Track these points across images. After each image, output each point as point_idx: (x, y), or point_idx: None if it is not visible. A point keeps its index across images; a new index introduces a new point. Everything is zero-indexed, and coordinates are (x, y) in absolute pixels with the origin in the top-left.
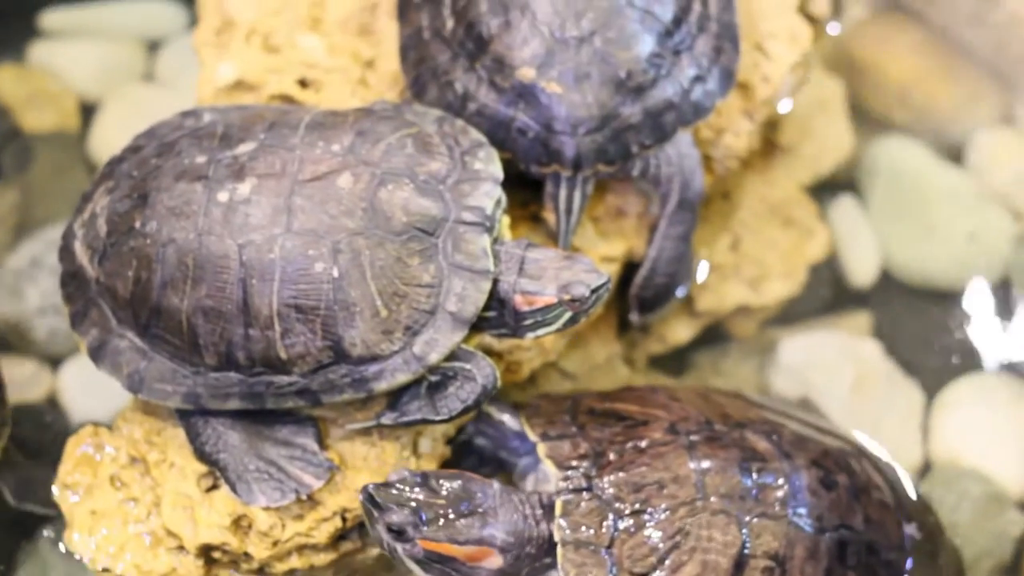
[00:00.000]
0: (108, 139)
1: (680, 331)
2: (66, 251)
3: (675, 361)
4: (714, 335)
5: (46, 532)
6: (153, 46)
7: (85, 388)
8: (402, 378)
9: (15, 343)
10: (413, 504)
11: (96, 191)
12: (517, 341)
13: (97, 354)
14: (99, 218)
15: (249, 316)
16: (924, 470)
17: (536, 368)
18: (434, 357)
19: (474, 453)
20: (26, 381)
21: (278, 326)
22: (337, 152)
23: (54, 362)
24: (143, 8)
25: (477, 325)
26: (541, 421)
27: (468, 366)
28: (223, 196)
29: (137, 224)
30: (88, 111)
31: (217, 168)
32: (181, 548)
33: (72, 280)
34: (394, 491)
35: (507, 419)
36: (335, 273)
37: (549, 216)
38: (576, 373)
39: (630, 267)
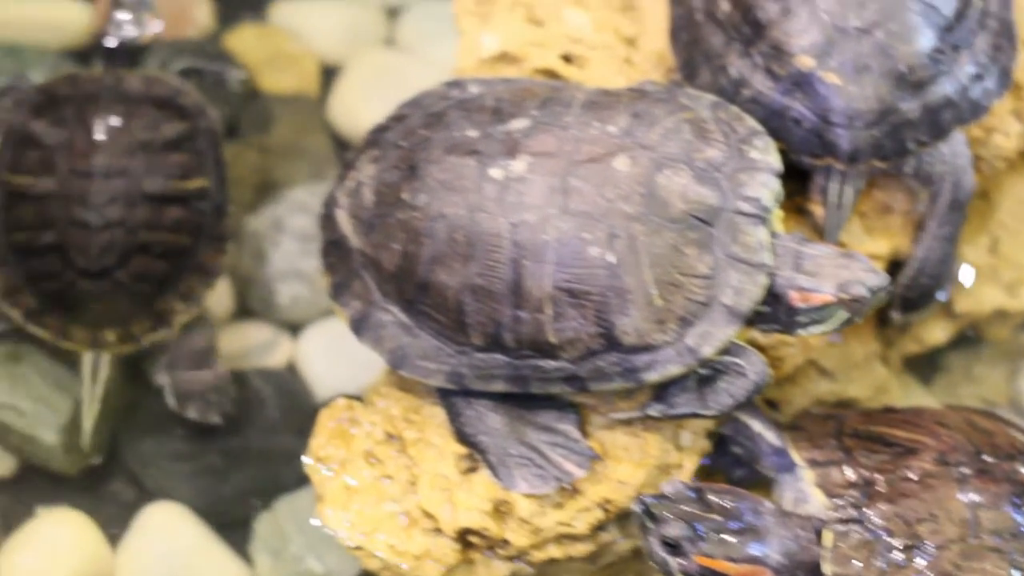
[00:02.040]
0: (348, 104)
1: (936, 332)
2: (328, 219)
3: (927, 362)
4: (966, 337)
5: (281, 501)
6: (393, 11)
7: (326, 357)
8: (674, 370)
9: (256, 308)
10: (689, 518)
11: (361, 159)
12: (783, 336)
13: (359, 327)
14: (365, 188)
15: (520, 297)
16: None
17: (798, 364)
18: (707, 350)
19: (729, 454)
20: (266, 346)
21: (549, 309)
22: (614, 133)
23: (294, 329)
24: None
25: (749, 319)
26: (807, 444)
27: (740, 361)
28: (496, 172)
29: (406, 196)
30: (328, 74)
31: (490, 143)
32: (438, 530)
33: (334, 250)
34: (670, 503)
35: (769, 436)
36: (611, 258)
37: (817, 209)
38: (834, 371)
39: (893, 265)
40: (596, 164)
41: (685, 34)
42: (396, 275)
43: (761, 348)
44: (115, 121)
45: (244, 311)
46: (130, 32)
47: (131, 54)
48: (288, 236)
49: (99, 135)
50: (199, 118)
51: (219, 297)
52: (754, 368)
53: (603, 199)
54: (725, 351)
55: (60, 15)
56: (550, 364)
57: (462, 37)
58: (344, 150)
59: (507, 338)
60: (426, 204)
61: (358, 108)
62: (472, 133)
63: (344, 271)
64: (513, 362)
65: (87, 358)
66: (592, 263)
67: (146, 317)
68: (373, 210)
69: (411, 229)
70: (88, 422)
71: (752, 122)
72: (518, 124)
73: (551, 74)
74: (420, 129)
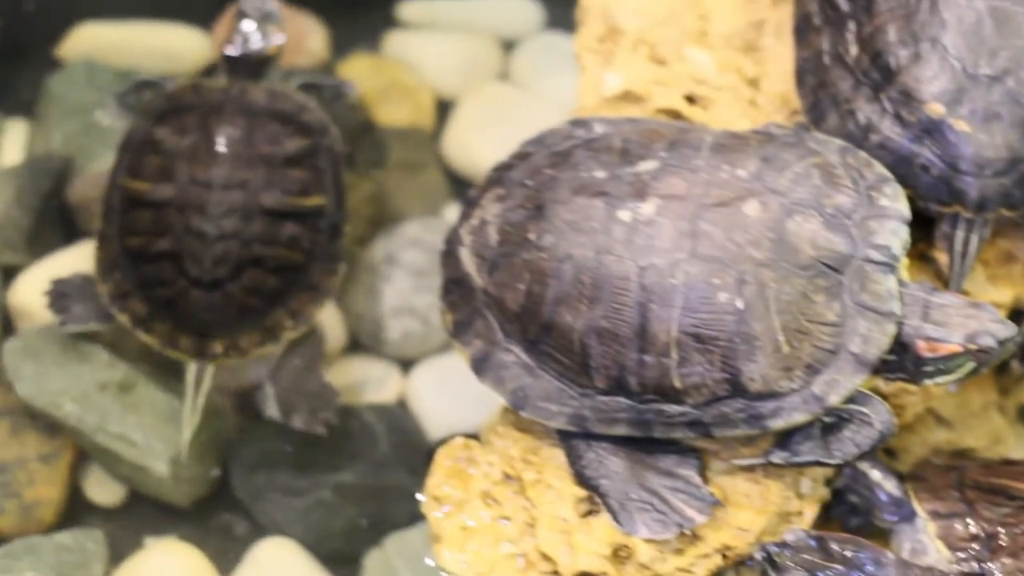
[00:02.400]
0: (462, 138)
1: None
2: (450, 257)
3: None
4: None
5: (392, 539)
6: (508, 44)
7: (437, 394)
8: (799, 418)
9: (367, 342)
10: (811, 567)
11: (485, 197)
12: (905, 384)
13: (480, 367)
14: (490, 226)
15: (645, 341)
16: None
17: (917, 412)
18: (834, 399)
19: (846, 503)
20: (376, 382)
21: (675, 354)
22: (744, 178)
23: (405, 364)
24: (500, 4)
25: (875, 368)
26: (928, 495)
27: (865, 410)
28: (624, 215)
29: (532, 236)
30: (442, 107)
31: (618, 185)
32: (555, 573)
33: (456, 287)
34: (792, 552)
35: (888, 485)
36: (739, 304)
37: (941, 256)
38: (951, 419)
39: (1015, 314)
40: (726, 208)
41: (812, 77)
42: (520, 315)
43: (883, 395)
44: (237, 133)
45: (355, 345)
46: (255, 43)
47: (255, 66)
48: (401, 271)
49: (221, 146)
50: (321, 136)
51: (331, 330)
52: (880, 417)
53: (733, 244)
54: (851, 399)
55: (178, 43)
56: (674, 409)
57: (583, 74)
58: (458, 184)
59: (631, 382)
60: (553, 245)
61: (472, 142)
62: (600, 174)
63: (466, 309)
64: (636, 406)
65: (191, 367)
66: (720, 308)
67: (254, 331)
68: (498, 249)
69: (537, 269)
70: (187, 432)
71: (881, 168)
72: (646, 166)
73: (674, 114)
74: (546, 168)
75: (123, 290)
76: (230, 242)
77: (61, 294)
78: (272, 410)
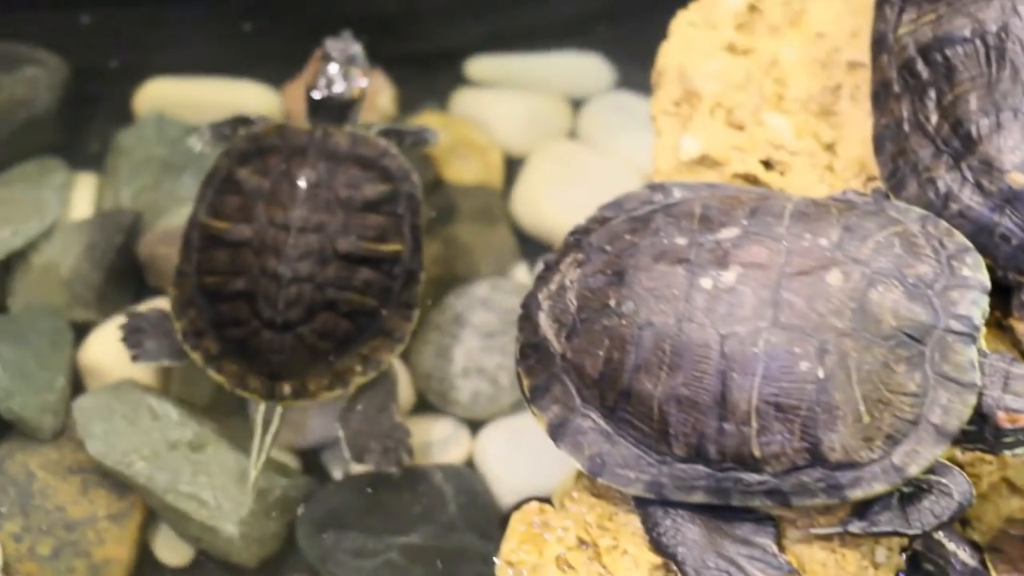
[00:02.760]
0: (532, 197)
1: None
2: (528, 321)
3: None
4: None
5: None
6: (576, 102)
7: (506, 456)
8: (879, 488)
9: (435, 402)
10: None
11: (563, 262)
12: (982, 453)
13: (557, 432)
14: (569, 291)
15: (725, 409)
16: None
17: (993, 481)
18: (914, 469)
19: (920, 571)
20: (445, 442)
21: (755, 423)
22: (825, 247)
23: (473, 425)
24: (568, 61)
25: (955, 438)
26: (1007, 567)
27: (944, 480)
28: (706, 282)
29: (612, 302)
30: (511, 165)
31: (699, 252)
32: None
33: (533, 352)
34: None
35: (963, 555)
36: (820, 373)
37: (1019, 326)
38: None
39: None
40: (808, 277)
41: (891, 144)
42: (598, 381)
43: (959, 464)
44: (318, 176)
45: (423, 405)
46: (339, 87)
47: (339, 109)
48: (470, 330)
49: (300, 189)
50: (402, 181)
51: (400, 389)
52: (959, 488)
53: (815, 313)
54: (930, 469)
55: (249, 99)
56: (753, 477)
57: (659, 138)
58: (526, 243)
59: (710, 449)
60: (633, 311)
61: (541, 201)
62: (681, 241)
63: (544, 374)
64: (715, 474)
65: (260, 408)
66: (802, 378)
67: (324, 374)
68: (577, 315)
69: (617, 336)
70: (254, 473)
71: (961, 238)
72: (728, 233)
73: (752, 179)
74: (626, 234)
75: (197, 328)
76: (304, 285)
77: (136, 328)
78: (344, 451)
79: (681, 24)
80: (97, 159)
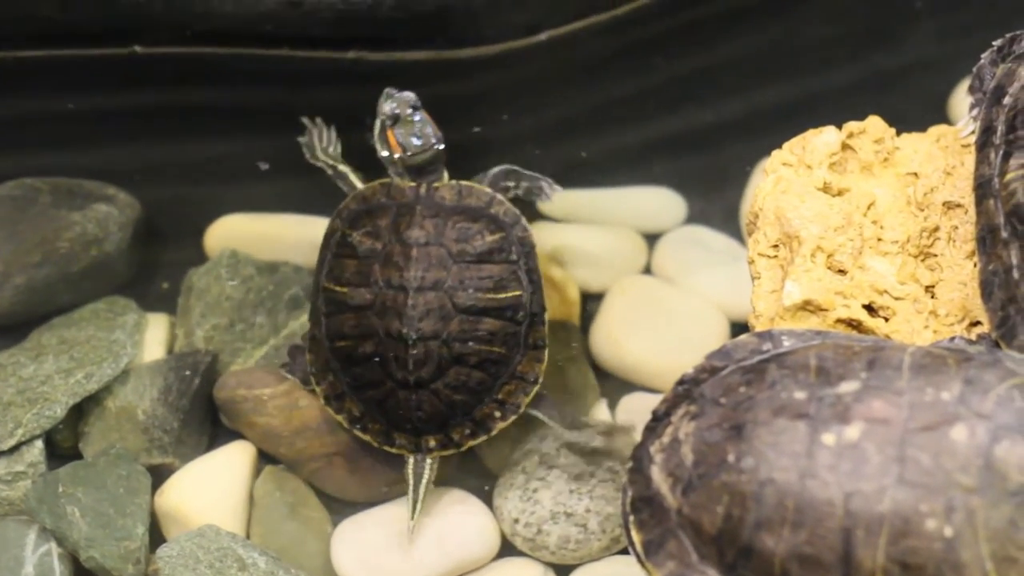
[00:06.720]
0: (610, 333)
1: None
2: (639, 474)
3: None
4: None
5: None
6: (651, 237)
7: None
8: None
9: (522, 547)
10: None
11: (675, 413)
12: None
13: None
14: (683, 445)
15: (850, 568)
16: None
17: None
18: None
19: None
20: None
21: None
22: (947, 401)
23: (562, 571)
24: (639, 195)
25: None
26: None
27: None
28: (828, 438)
29: (731, 458)
30: (587, 300)
31: (819, 407)
32: None
33: (646, 506)
34: None
35: None
36: (947, 532)
37: None
38: None
39: None
40: (932, 433)
41: (1000, 292)
42: (717, 538)
43: None
44: (427, 234)
45: (509, 549)
46: (418, 140)
47: (430, 161)
48: (556, 473)
49: (412, 247)
50: (512, 227)
51: (485, 534)
52: None
53: (940, 470)
54: None
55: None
56: None
57: (757, 281)
58: (605, 380)
59: None
60: (753, 467)
61: (620, 338)
62: (800, 395)
63: (658, 529)
64: None
65: (411, 460)
66: (929, 536)
67: (466, 424)
68: (693, 469)
69: (736, 492)
70: (412, 523)
71: None
72: (847, 387)
73: (856, 325)
74: (741, 387)
75: (337, 391)
76: (430, 343)
77: (295, 354)
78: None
79: (775, 164)
80: (168, 298)
